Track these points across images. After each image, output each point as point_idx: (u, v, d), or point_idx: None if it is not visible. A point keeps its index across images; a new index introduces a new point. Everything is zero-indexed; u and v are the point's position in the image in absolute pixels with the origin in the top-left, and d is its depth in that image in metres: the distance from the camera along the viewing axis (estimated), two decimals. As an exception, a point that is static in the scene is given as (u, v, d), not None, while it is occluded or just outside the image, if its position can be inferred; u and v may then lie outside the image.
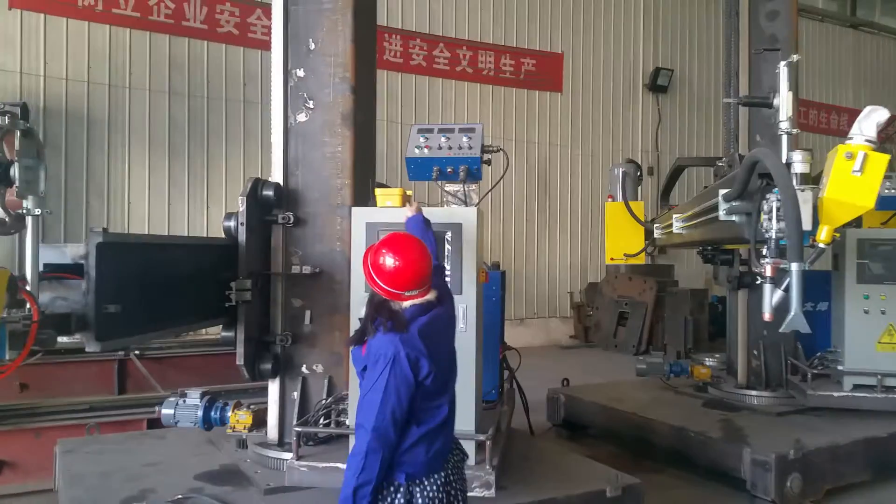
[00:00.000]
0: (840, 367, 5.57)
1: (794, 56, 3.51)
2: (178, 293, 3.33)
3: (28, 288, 2.44)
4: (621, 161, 8.05)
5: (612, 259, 7.14)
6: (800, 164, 3.24)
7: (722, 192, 3.76)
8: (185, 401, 4.15)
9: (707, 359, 7.40)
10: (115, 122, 9.61)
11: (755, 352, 6.13)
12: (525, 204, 13.03)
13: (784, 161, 3.33)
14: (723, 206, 3.74)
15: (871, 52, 18.26)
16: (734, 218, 3.68)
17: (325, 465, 3.39)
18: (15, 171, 2.44)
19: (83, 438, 4.59)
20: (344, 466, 3.34)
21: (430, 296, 2.58)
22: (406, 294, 2.53)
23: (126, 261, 2.91)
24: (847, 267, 5.59)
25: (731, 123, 6.43)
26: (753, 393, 5.97)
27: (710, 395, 6.25)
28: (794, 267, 2.95)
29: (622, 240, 6.99)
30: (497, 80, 12.68)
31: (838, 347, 5.74)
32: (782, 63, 3.48)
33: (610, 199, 7.15)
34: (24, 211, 2.46)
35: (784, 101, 3.61)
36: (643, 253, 7.04)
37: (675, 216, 5.76)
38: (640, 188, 7.24)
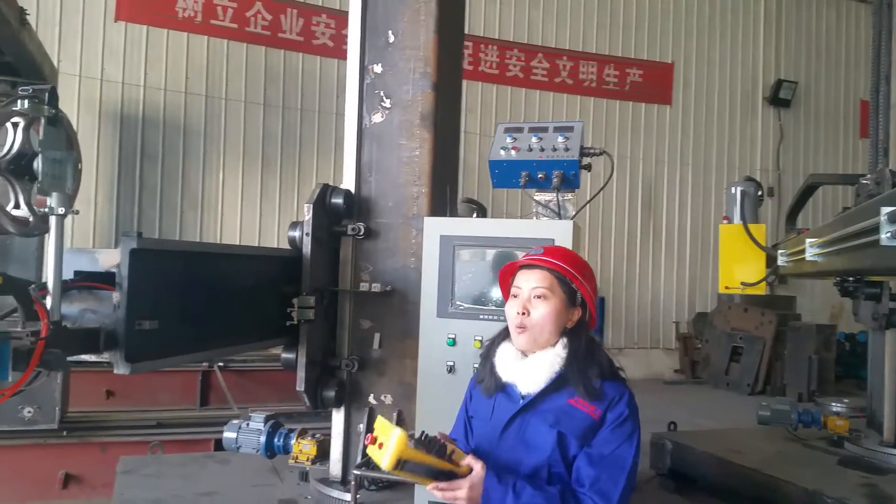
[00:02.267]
0: None
1: None
2: (230, 309, 2.97)
3: (47, 298, 2.10)
4: (738, 179, 7.30)
5: (726, 288, 6.44)
6: None
7: (886, 210, 3.06)
8: (248, 425, 3.81)
9: (835, 404, 6.50)
10: (211, 133, 9.72)
11: (907, 404, 5.26)
12: (627, 223, 12.25)
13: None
14: (888, 229, 3.04)
15: None
16: (904, 244, 2.98)
17: (385, 515, 2.92)
18: (38, 164, 2.10)
19: (145, 457, 4.35)
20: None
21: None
22: None
23: (165, 271, 2.56)
24: None
25: (879, 135, 5.59)
26: None
27: (848, 451, 5.37)
28: None
29: (739, 266, 6.30)
30: (600, 92, 12.04)
31: None
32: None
33: (725, 221, 6.47)
34: (47, 210, 2.12)
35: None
36: (763, 283, 6.29)
37: (808, 241, 5.01)
38: (759, 210, 6.50)
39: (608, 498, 1.85)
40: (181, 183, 9.58)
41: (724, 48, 13.05)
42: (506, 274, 2.11)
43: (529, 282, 1.99)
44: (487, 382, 2.04)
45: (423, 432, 1.85)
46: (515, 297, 2.01)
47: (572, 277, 1.99)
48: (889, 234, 2.96)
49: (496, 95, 11.38)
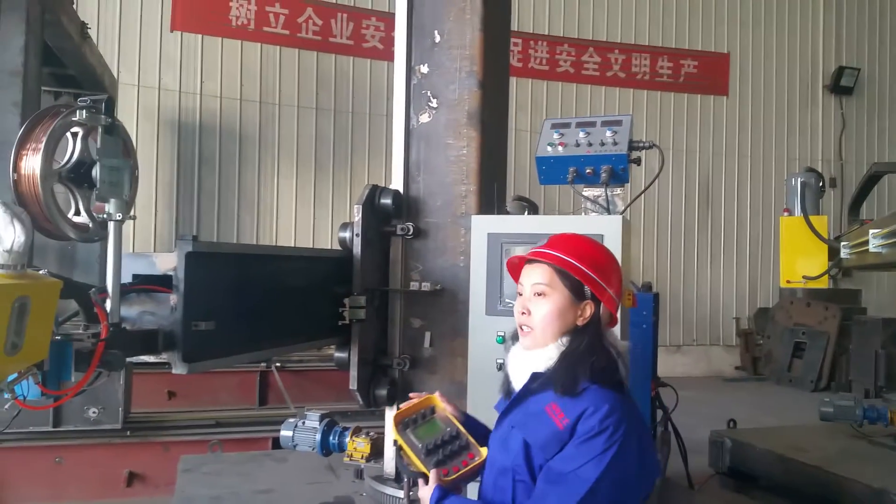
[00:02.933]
0: None
1: None
2: (283, 310, 3.03)
3: (107, 301, 2.19)
4: (798, 170, 7.09)
5: (788, 282, 6.28)
6: None
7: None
8: (304, 423, 3.88)
9: (903, 400, 6.24)
10: (266, 138, 9.96)
11: (983, 399, 5.04)
12: (683, 218, 12.00)
13: None
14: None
15: None
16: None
17: (437, 512, 2.93)
18: (96, 172, 2.19)
19: (205, 456, 4.48)
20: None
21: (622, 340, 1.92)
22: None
23: (221, 273, 2.64)
24: None
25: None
26: None
27: (916, 448, 5.17)
28: None
29: (800, 260, 6.14)
30: (653, 85, 11.84)
31: None
32: None
33: (786, 213, 6.30)
34: (106, 216, 2.21)
35: None
36: (826, 276, 6.09)
37: (871, 232, 4.84)
38: (821, 202, 6.31)
39: None
40: (237, 187, 9.84)
41: (781, 36, 12.66)
42: (515, 268, 1.96)
43: (530, 277, 1.84)
44: (503, 383, 1.96)
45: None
46: (520, 294, 1.87)
47: (574, 270, 1.78)
48: (958, 223, 2.85)
49: (546, 92, 11.31)
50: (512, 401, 1.85)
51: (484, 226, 2.93)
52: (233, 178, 9.81)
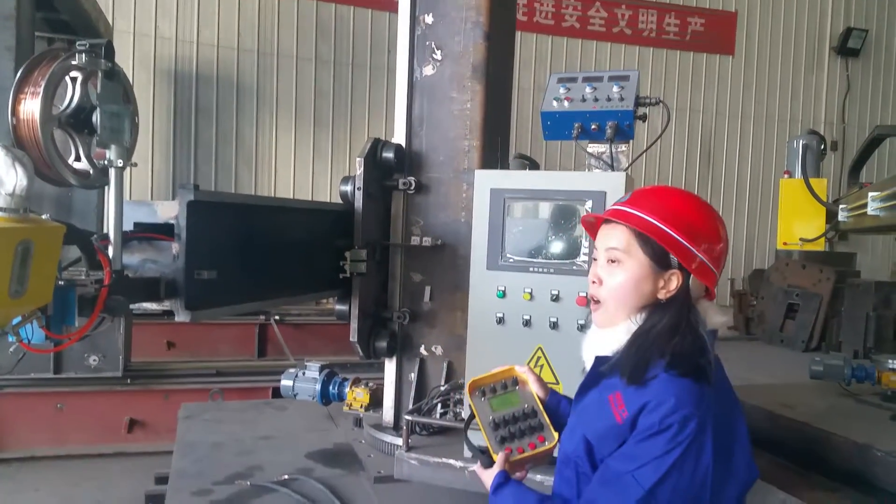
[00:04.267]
0: None
1: None
2: (284, 261, 3.05)
3: (109, 248, 2.19)
4: (801, 133, 7.03)
5: (784, 244, 6.26)
6: None
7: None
8: (304, 373, 3.96)
9: (891, 360, 6.36)
10: (264, 90, 9.83)
11: (965, 360, 5.12)
12: (684, 177, 11.97)
13: None
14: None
15: None
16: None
17: (436, 459, 3.00)
18: (97, 118, 2.16)
19: (206, 404, 4.55)
20: (457, 463, 3.01)
21: (722, 314, 1.73)
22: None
23: (222, 223, 2.64)
24: None
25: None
26: None
27: (901, 406, 5.28)
28: None
29: (798, 222, 6.11)
30: (659, 42, 11.66)
31: None
32: None
33: (786, 176, 6.25)
34: (106, 162, 2.19)
35: None
36: (822, 238, 6.09)
37: (870, 195, 4.82)
38: (822, 165, 6.27)
39: None
40: (235, 140, 9.74)
41: (790, -4, 12.45)
42: (591, 228, 1.70)
43: (604, 241, 1.58)
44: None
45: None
46: (595, 260, 1.62)
47: (656, 232, 1.50)
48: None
49: (551, 47, 11.13)
50: (580, 388, 1.64)
51: (487, 181, 2.91)
52: (230, 130, 9.70)
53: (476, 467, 1.71)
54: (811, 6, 12.57)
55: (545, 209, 2.86)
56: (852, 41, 12.54)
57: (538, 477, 2.59)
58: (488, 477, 1.64)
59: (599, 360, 1.57)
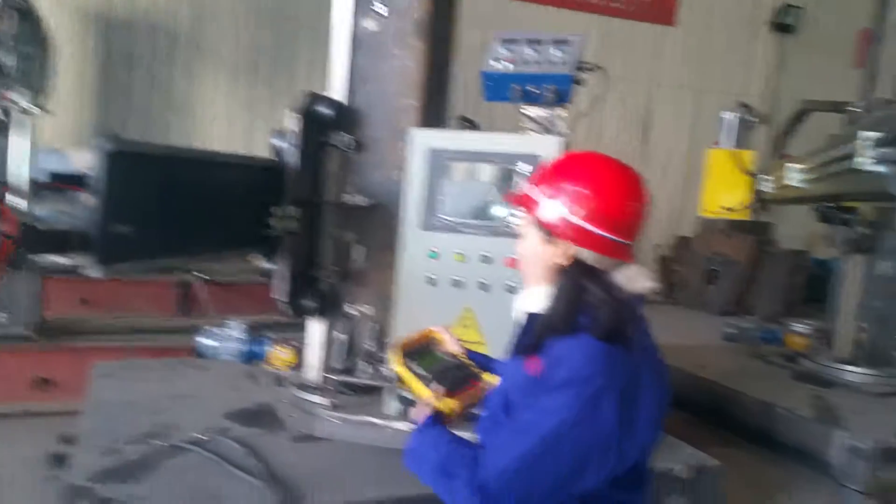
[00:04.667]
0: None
1: None
2: (208, 216, 2.90)
3: (16, 198, 2.04)
4: (733, 105, 7.21)
5: (709, 212, 6.48)
6: None
7: (869, 135, 3.05)
8: (226, 331, 3.86)
9: (799, 325, 6.74)
10: (197, 38, 9.37)
11: (863, 324, 5.51)
12: (619, 145, 12.13)
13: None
14: (869, 153, 3.04)
15: None
16: (882, 168, 2.98)
17: (359, 418, 2.99)
18: (7, 58, 1.99)
19: (121, 363, 4.37)
20: (379, 421, 3.01)
21: (651, 280, 1.61)
22: (632, 251, 1.57)
23: (142, 173, 2.49)
24: None
25: (874, 63, 5.49)
26: (853, 369, 5.41)
27: (803, 367, 5.68)
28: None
29: (723, 191, 6.35)
30: (605, 10, 11.63)
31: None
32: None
33: (716, 146, 6.45)
34: (16, 105, 2.02)
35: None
36: (745, 208, 6.33)
37: (792, 167, 5.03)
38: (750, 136, 6.47)
39: (487, 467, 1.43)
40: (169, 90, 9.28)
41: (732, -30, 12.61)
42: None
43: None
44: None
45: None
46: None
47: (529, 206, 1.58)
48: (869, 159, 2.98)
49: (495, 8, 10.97)
50: (510, 346, 1.67)
51: (422, 140, 2.86)
52: (163, 80, 9.22)
53: (413, 411, 1.72)
54: (751, -22, 12.79)
55: (480, 171, 2.84)
56: (788, 17, 12.83)
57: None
58: (421, 414, 1.67)
59: (530, 317, 1.62)
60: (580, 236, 1.50)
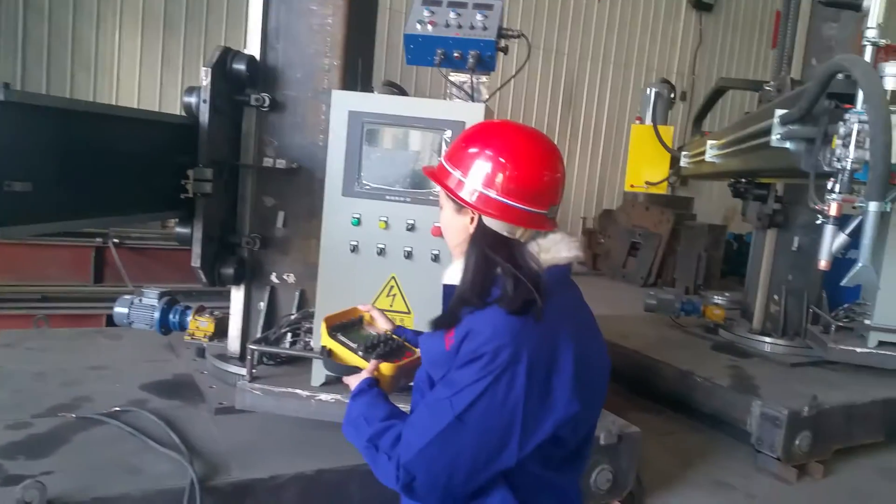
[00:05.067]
0: (867, 322, 5.14)
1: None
2: (115, 176, 2.75)
3: None
4: (654, 81, 7.38)
5: (631, 186, 6.63)
6: (893, 79, 2.60)
7: (779, 112, 3.15)
8: (141, 300, 3.70)
9: (717, 297, 6.98)
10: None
11: (776, 296, 5.74)
12: (546, 117, 12.26)
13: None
14: (778, 130, 3.15)
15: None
16: (789, 145, 3.09)
17: (281, 389, 2.92)
18: None
19: (28, 331, 4.16)
20: (303, 392, 2.95)
21: (576, 249, 1.57)
22: (550, 219, 1.55)
23: (39, 128, 2.33)
24: (893, 212, 5.00)
25: (786, 43, 5.68)
26: (768, 339, 5.64)
27: (721, 337, 5.90)
28: (872, 207, 2.36)
29: (645, 166, 6.48)
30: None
31: (868, 300, 5.30)
32: (887, -50, 2.75)
33: (638, 122, 6.57)
34: None
35: (877, 2, 2.91)
36: (665, 182, 6.51)
37: (709, 143, 5.16)
38: (670, 112, 6.63)
39: (407, 446, 1.43)
40: (72, 41, 8.73)
41: (654, -57, 12.80)
42: None
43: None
44: None
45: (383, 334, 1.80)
46: None
47: (434, 175, 1.56)
48: (779, 136, 3.08)
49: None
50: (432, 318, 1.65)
51: (345, 102, 2.77)
52: (65, 30, 8.66)
53: (347, 379, 1.71)
54: (674, -43, 13.05)
55: (404, 136, 2.79)
56: (707, -5, 13.23)
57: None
58: (356, 381, 1.66)
59: (446, 289, 1.59)
60: (489, 206, 1.47)
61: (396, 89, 4.65)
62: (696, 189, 12.84)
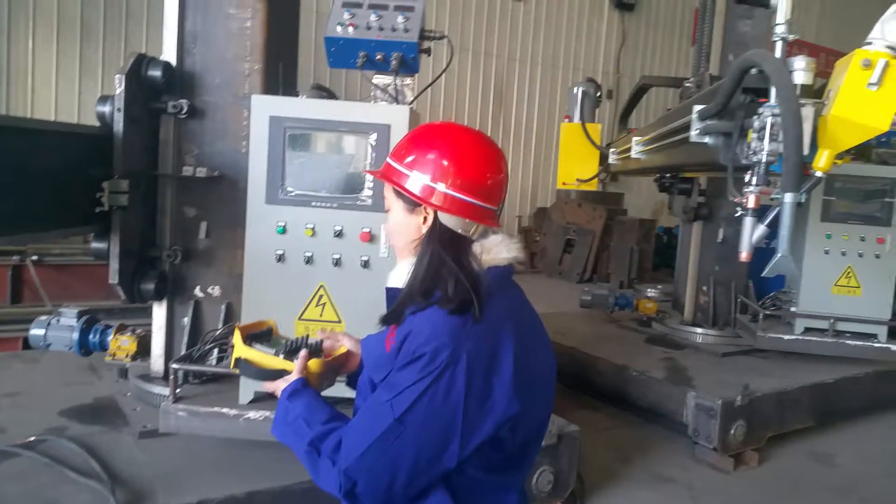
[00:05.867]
0: (793, 309, 5.34)
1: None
2: (24, 191, 2.59)
3: None
4: (581, 80, 7.53)
5: (563, 183, 6.72)
6: (802, 72, 2.68)
7: (697, 108, 3.23)
8: (59, 320, 3.49)
9: (649, 290, 7.11)
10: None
11: (704, 288, 5.89)
12: (478, 118, 12.34)
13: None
14: (696, 126, 3.22)
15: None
16: (707, 140, 3.17)
17: (208, 409, 2.81)
18: None
19: (-65, 358, 3.90)
20: (230, 411, 2.85)
21: (516, 250, 1.59)
22: (498, 217, 1.57)
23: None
24: (811, 203, 5.22)
25: (704, 40, 5.85)
26: (699, 330, 5.77)
27: (655, 330, 6.01)
28: (788, 198, 2.43)
29: (576, 164, 6.59)
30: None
31: (792, 288, 5.50)
32: (790, -51, 2.84)
33: (567, 120, 6.67)
34: None
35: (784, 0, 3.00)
36: (595, 179, 6.63)
37: (634, 139, 5.27)
38: (598, 110, 6.76)
39: (348, 451, 1.41)
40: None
41: (576, -56, 13.04)
42: None
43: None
44: None
45: (302, 338, 1.74)
46: None
47: (388, 174, 1.54)
48: (698, 131, 3.15)
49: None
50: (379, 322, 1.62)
51: (265, 107, 2.69)
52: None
53: (270, 385, 1.67)
54: (595, -41, 13.33)
55: (328, 141, 2.73)
56: (628, -5, 13.57)
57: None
58: (285, 383, 1.62)
59: (389, 292, 1.58)
60: (446, 202, 1.48)
61: (326, 93, 4.57)
62: (626, 185, 13.15)
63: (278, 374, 1.67)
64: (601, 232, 11.31)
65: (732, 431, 4.29)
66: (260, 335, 1.79)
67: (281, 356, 1.68)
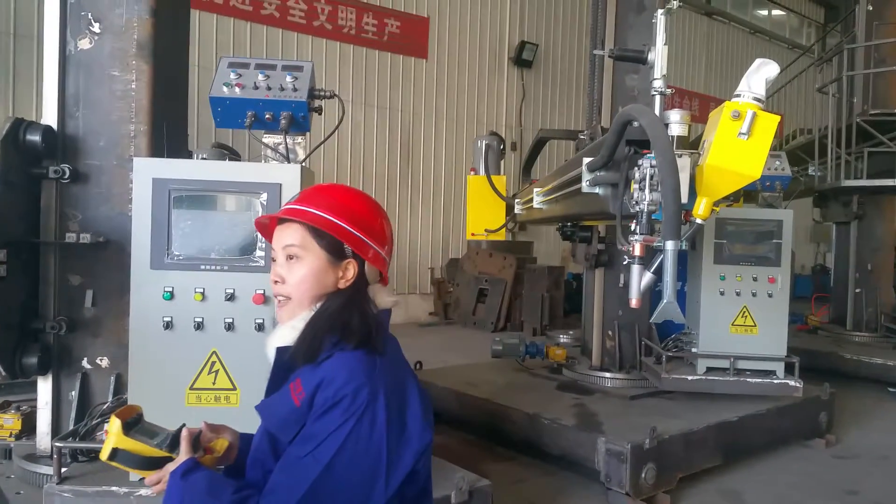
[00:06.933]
0: (694, 350, 5.49)
1: (674, 2, 3.08)
2: None
3: None
4: (484, 134, 7.75)
5: (473, 234, 6.83)
6: (677, 125, 2.84)
7: (586, 160, 3.37)
8: (-69, 402, 3.23)
9: (561, 336, 7.20)
10: None
11: (609, 332, 6.01)
12: (386, 174, 12.43)
13: (657, 123, 2.92)
14: (586, 177, 3.35)
15: (722, 40, 19.18)
16: (597, 190, 3.30)
17: (95, 488, 2.63)
18: None
19: None
20: (120, 490, 2.68)
21: (393, 296, 1.69)
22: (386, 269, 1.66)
23: None
24: (704, 246, 5.47)
25: (595, 95, 6.16)
26: (607, 375, 5.84)
27: (565, 376, 6.06)
28: (669, 245, 2.52)
29: (484, 215, 6.71)
30: (359, 41, 11.86)
31: (693, 329, 5.67)
32: (659, 11, 3.03)
33: (472, 173, 6.82)
34: None
35: (659, 56, 3.20)
36: (504, 229, 6.77)
37: (535, 190, 5.43)
38: (503, 163, 6.95)
39: None
40: None
41: (475, 7, 13.54)
42: (265, 229, 1.68)
43: (281, 240, 1.58)
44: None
45: (180, 428, 1.62)
46: (274, 261, 1.61)
47: (331, 227, 1.54)
48: (588, 182, 3.28)
49: (251, 35, 10.69)
50: (266, 389, 1.59)
51: (148, 169, 2.62)
52: None
53: (154, 476, 1.57)
54: (493, 19, 13.88)
55: (217, 202, 2.67)
56: (526, 53, 14.15)
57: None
58: (175, 465, 1.54)
59: (280, 351, 1.56)
60: (374, 256, 1.59)
61: (228, 151, 4.50)
62: (534, 233, 13.49)
63: (163, 461, 1.58)
64: (513, 280, 11.49)
65: (643, 475, 4.27)
66: (134, 422, 1.66)
67: (164, 448, 1.58)
